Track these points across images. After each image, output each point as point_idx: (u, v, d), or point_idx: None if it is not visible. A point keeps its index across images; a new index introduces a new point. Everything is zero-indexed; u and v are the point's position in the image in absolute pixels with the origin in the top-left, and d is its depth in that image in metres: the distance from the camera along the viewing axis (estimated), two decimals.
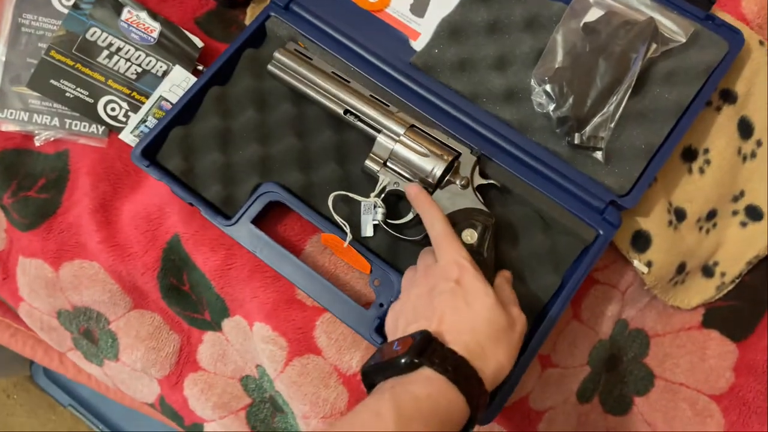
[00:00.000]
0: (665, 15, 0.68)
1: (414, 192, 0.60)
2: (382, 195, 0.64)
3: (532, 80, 0.67)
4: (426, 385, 0.45)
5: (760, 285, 0.72)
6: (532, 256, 0.65)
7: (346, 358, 0.66)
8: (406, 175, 0.64)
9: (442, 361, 0.46)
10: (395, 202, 0.67)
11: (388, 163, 0.64)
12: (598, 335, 0.71)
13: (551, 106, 0.65)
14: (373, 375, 0.50)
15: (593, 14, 0.68)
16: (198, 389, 0.70)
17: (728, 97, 0.72)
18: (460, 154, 0.64)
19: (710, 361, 0.70)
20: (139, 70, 0.73)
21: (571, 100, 0.64)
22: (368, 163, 0.65)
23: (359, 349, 0.66)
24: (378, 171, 0.64)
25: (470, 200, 0.63)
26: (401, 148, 0.63)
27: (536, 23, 0.70)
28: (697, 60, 0.66)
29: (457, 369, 0.46)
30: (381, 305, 0.63)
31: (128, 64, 0.72)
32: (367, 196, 0.63)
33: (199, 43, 0.76)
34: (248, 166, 0.66)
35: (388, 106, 0.66)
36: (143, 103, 0.71)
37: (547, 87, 0.65)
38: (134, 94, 0.72)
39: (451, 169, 0.63)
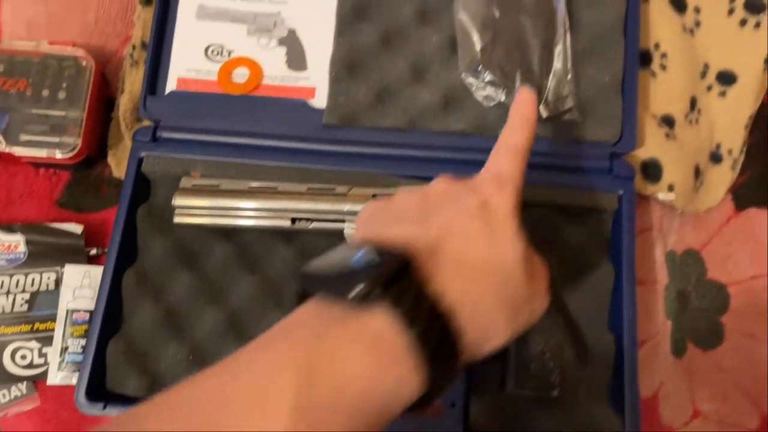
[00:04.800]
0: None
1: (527, 98, 0.42)
2: None
3: (464, 76, 0.57)
4: (368, 351, 0.29)
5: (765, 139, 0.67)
6: (570, 252, 0.56)
7: None
8: None
9: (414, 307, 0.29)
10: None
11: None
12: (661, 284, 0.64)
13: (501, 94, 0.55)
14: (311, 283, 0.33)
15: None
16: None
17: None
18: None
19: (762, 237, 0.65)
20: (27, 296, 0.61)
21: (517, 76, 0.54)
22: None
23: None
24: None
25: None
26: None
27: (429, 12, 0.60)
28: None
29: (429, 329, 0.30)
30: None
31: (11, 297, 0.61)
32: None
33: (77, 229, 0.63)
34: (217, 337, 0.56)
35: (334, 189, 0.54)
36: (53, 330, 0.60)
37: (487, 76, 0.55)
38: (37, 326, 0.60)
39: None
